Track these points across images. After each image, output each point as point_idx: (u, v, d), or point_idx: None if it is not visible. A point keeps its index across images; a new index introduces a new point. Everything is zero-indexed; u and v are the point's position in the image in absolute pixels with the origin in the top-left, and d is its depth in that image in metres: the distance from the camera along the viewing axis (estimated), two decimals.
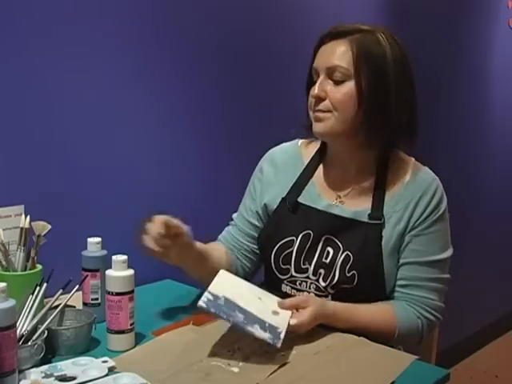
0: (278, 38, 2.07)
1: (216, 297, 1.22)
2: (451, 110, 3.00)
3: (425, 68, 2.70)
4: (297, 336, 1.25)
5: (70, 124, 1.57)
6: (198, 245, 1.38)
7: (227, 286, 1.28)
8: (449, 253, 1.42)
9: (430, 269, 1.39)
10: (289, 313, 1.26)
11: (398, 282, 1.40)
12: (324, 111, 1.36)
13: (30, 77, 1.48)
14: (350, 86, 1.33)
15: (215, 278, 1.28)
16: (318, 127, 1.38)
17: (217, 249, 1.50)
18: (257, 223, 1.50)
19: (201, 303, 1.19)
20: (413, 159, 1.46)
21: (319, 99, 1.35)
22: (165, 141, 1.79)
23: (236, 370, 1.14)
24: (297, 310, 1.27)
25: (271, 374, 1.13)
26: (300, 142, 1.54)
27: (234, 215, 1.57)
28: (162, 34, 1.75)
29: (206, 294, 1.22)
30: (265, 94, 2.05)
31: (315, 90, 1.35)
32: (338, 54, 1.34)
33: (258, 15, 2.01)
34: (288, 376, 1.13)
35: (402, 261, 1.39)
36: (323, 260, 1.39)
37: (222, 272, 1.33)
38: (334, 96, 1.34)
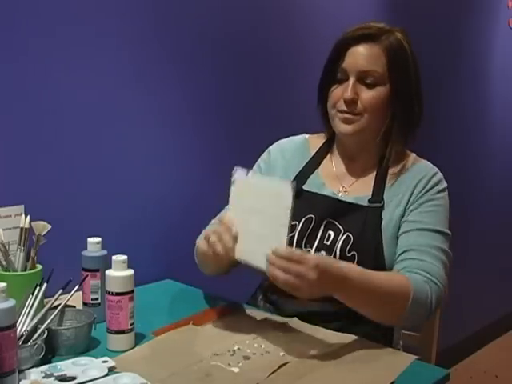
0: (278, 37, 2.07)
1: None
2: (451, 110, 3.01)
3: (425, 68, 2.68)
4: (297, 336, 1.25)
5: (70, 124, 1.57)
6: None
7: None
8: (448, 231, 1.40)
9: (430, 236, 1.36)
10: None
11: (399, 253, 1.36)
12: (355, 114, 1.39)
13: (30, 77, 1.48)
14: (382, 89, 1.38)
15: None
16: (345, 129, 1.40)
17: None
18: None
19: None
20: (414, 154, 1.50)
21: (351, 102, 1.38)
22: (165, 141, 1.79)
23: (236, 370, 1.14)
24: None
25: (271, 374, 1.12)
26: (307, 136, 1.58)
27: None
28: (163, 34, 1.75)
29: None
30: (265, 94, 2.05)
31: (349, 92, 1.37)
32: (373, 58, 1.37)
33: (258, 15, 2.01)
34: (288, 376, 1.13)
35: (401, 232, 1.38)
36: (324, 242, 1.40)
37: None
38: (367, 100, 1.38)
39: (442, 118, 2.94)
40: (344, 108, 1.39)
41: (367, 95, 1.38)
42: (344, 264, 1.24)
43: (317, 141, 1.55)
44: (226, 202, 1.55)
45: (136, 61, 1.69)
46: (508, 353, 3.35)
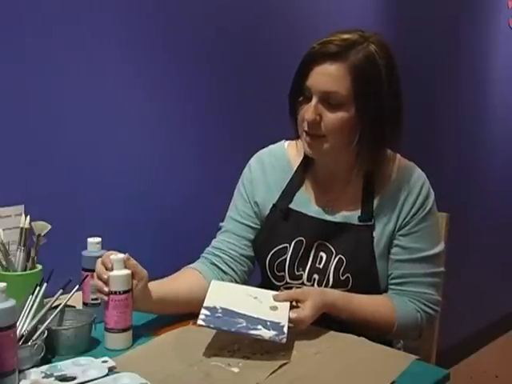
0: (277, 38, 2.07)
1: (213, 309, 1.23)
2: (451, 110, 3.00)
3: (425, 69, 2.71)
4: (297, 336, 1.25)
5: (70, 124, 1.57)
6: (155, 293, 1.30)
7: (221, 295, 1.28)
8: (440, 247, 1.42)
9: (424, 264, 1.39)
10: (287, 304, 1.27)
11: (394, 281, 1.40)
12: (318, 136, 1.33)
13: (31, 77, 1.49)
14: (346, 110, 1.31)
15: (208, 291, 1.28)
16: (309, 152, 1.37)
17: (182, 286, 1.39)
18: (253, 225, 1.49)
19: (200, 322, 1.19)
20: (398, 155, 1.45)
21: (313, 123, 1.32)
22: (164, 141, 1.79)
23: (236, 370, 1.14)
24: (296, 303, 1.28)
25: (271, 374, 1.12)
26: (286, 143, 1.53)
27: (222, 224, 1.53)
28: (162, 35, 1.75)
29: (202, 310, 1.22)
30: (265, 95, 2.05)
31: (310, 114, 1.31)
32: (336, 79, 1.29)
33: (256, 16, 2.01)
34: (288, 376, 1.13)
35: (394, 258, 1.40)
36: (317, 265, 1.40)
37: (213, 283, 1.33)
38: (330, 121, 1.31)
39: (442, 118, 2.94)
40: (307, 129, 1.33)
41: (330, 118, 1.31)
42: (330, 294, 1.33)
43: (297, 150, 1.48)
44: (224, 204, 1.56)
45: (136, 61, 1.69)
46: (508, 353, 3.34)
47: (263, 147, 1.56)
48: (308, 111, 1.32)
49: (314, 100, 1.31)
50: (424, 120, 2.72)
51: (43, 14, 1.49)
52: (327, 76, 1.30)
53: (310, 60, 1.33)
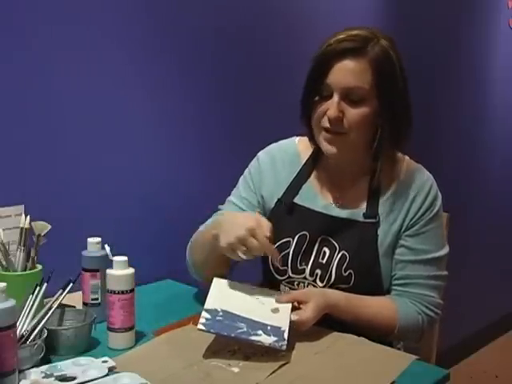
0: (276, 38, 2.07)
1: (214, 312, 1.22)
2: (451, 110, 3.00)
3: (425, 69, 2.71)
4: (297, 336, 1.25)
5: (70, 124, 1.57)
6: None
7: (223, 295, 1.28)
8: (445, 250, 1.43)
9: (428, 267, 1.39)
10: (289, 306, 1.27)
11: (397, 281, 1.40)
12: (339, 133, 1.33)
13: (31, 77, 1.49)
14: (368, 106, 1.31)
15: (210, 291, 1.28)
16: (330, 150, 1.35)
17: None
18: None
19: (200, 326, 1.19)
20: (407, 157, 1.46)
21: (336, 120, 1.31)
22: (165, 141, 1.79)
23: (236, 369, 1.14)
24: (298, 304, 1.28)
25: (271, 373, 1.13)
26: (297, 139, 1.53)
27: (221, 206, 1.53)
28: (161, 35, 1.75)
29: (203, 313, 1.22)
30: (264, 95, 2.05)
31: (333, 110, 1.30)
32: (358, 74, 1.30)
33: (256, 16, 2.01)
34: (288, 376, 1.13)
35: (399, 258, 1.40)
36: (319, 260, 1.40)
37: (215, 281, 1.32)
38: (352, 118, 1.31)
39: (442, 118, 2.94)
40: (328, 126, 1.32)
41: (353, 113, 1.31)
42: (332, 295, 1.32)
43: (307, 146, 1.49)
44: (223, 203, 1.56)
45: (136, 61, 1.69)
46: (508, 353, 3.35)
47: (264, 147, 1.56)
48: (331, 108, 1.31)
49: (336, 97, 1.31)
50: (424, 120, 2.72)
51: (43, 13, 1.49)
52: (349, 71, 1.30)
53: (328, 57, 1.32)
